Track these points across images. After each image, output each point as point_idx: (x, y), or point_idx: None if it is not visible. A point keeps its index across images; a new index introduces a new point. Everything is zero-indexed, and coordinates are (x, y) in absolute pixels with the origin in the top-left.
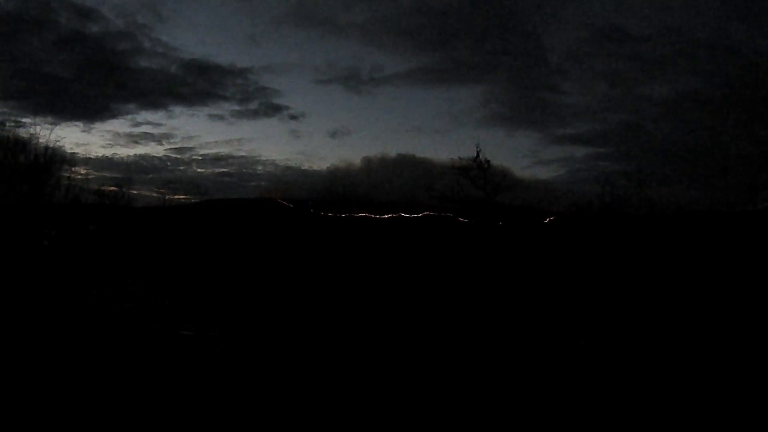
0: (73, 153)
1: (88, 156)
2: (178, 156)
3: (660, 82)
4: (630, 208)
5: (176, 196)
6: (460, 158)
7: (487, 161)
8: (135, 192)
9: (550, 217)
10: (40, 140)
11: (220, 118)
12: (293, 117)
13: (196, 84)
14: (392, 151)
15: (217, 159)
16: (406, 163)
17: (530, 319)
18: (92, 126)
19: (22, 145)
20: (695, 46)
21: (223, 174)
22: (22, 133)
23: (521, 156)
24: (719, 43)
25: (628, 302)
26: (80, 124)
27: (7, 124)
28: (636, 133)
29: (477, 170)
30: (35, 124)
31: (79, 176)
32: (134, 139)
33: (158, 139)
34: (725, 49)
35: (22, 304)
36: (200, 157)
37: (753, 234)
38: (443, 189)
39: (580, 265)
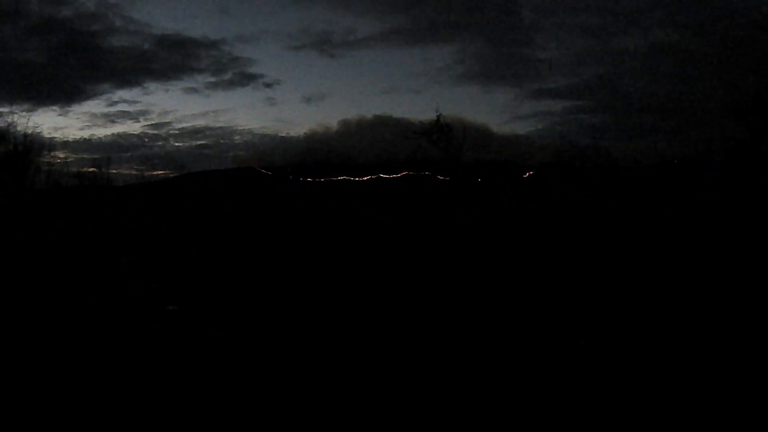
0: (52, 138)
1: (66, 139)
2: (156, 132)
3: (636, 34)
4: (591, 161)
5: (155, 172)
6: (420, 122)
7: (447, 125)
8: (114, 171)
9: (529, 172)
10: (18, 128)
11: (195, 91)
12: (268, 85)
13: (170, 59)
14: (369, 113)
15: (195, 132)
16: (383, 124)
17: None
18: (69, 109)
19: (1, 135)
20: None
21: (201, 146)
22: (0, 122)
23: (499, 112)
24: None
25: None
26: (57, 108)
27: None
28: (612, 85)
29: (438, 133)
30: (12, 113)
31: (59, 160)
32: (111, 118)
33: (135, 116)
34: (702, 0)
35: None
36: (177, 132)
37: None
38: (407, 153)
39: (562, 223)
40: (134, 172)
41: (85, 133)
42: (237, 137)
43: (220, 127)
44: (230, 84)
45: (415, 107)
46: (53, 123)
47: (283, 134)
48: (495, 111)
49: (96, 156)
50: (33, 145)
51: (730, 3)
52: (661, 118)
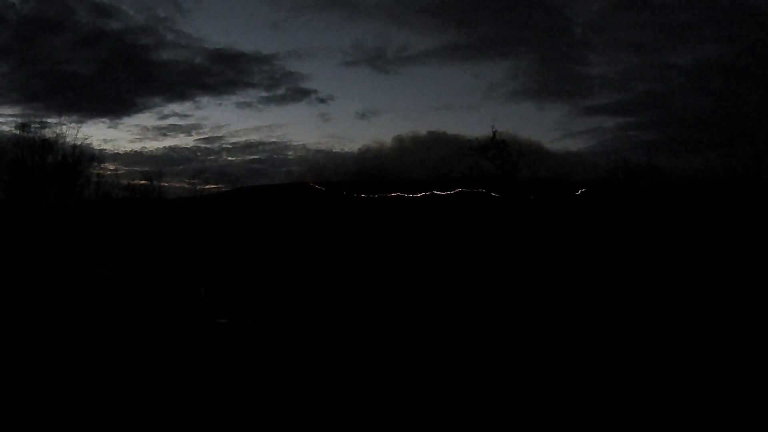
0: (102, 149)
1: (116, 152)
2: (208, 146)
3: (684, 50)
4: (646, 178)
5: (207, 186)
6: (477, 139)
7: (503, 141)
8: (166, 184)
9: (582, 189)
10: (67, 139)
11: (248, 105)
12: (321, 100)
13: (222, 73)
14: (423, 130)
15: (247, 146)
16: (437, 140)
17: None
18: (119, 122)
19: (50, 146)
20: (719, 13)
21: (253, 161)
22: (48, 133)
23: (551, 129)
24: (743, 10)
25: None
26: (107, 120)
27: (33, 125)
28: (662, 101)
29: (494, 150)
30: (61, 124)
31: (109, 172)
32: (162, 131)
33: (187, 130)
34: (749, 16)
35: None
36: (230, 146)
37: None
38: (463, 169)
39: (612, 242)
40: (186, 186)
41: (137, 146)
42: (290, 152)
43: (274, 142)
44: (283, 99)
45: (469, 123)
46: (103, 135)
47: (337, 150)
48: (547, 127)
49: (147, 168)
50: (82, 157)
51: None
52: (712, 135)
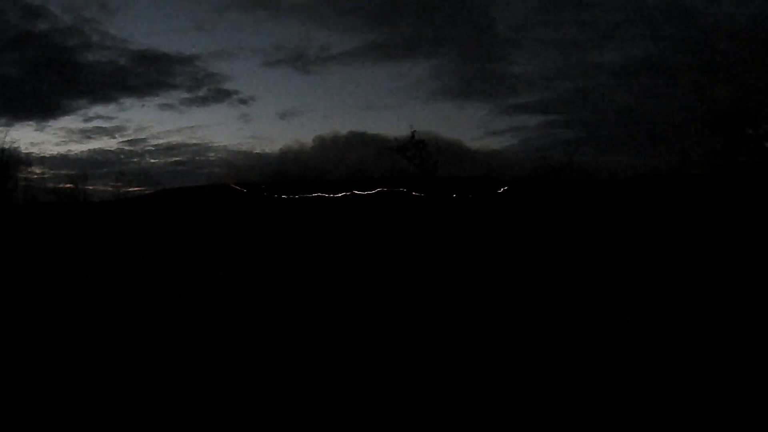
0: (29, 153)
1: (43, 155)
2: (131, 148)
3: (612, 48)
4: (568, 175)
5: (131, 189)
6: (396, 139)
7: (422, 140)
8: (91, 188)
9: (504, 187)
10: None
11: (171, 107)
12: (243, 101)
13: (146, 75)
14: (343, 130)
15: (170, 148)
16: (358, 140)
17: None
18: (46, 124)
19: None
20: (647, 12)
21: (176, 163)
22: None
23: (473, 127)
24: (671, 9)
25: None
26: (33, 123)
27: None
28: (587, 100)
29: (413, 150)
30: None
31: (36, 176)
32: (87, 134)
33: (111, 132)
34: (678, 14)
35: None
36: (153, 148)
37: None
38: (383, 169)
39: (538, 234)
40: (110, 189)
41: (62, 149)
42: (212, 154)
43: (196, 144)
44: (205, 100)
45: (390, 123)
46: (31, 138)
47: (258, 151)
48: (469, 126)
49: (73, 172)
50: (11, 161)
51: (704, 16)
52: (637, 132)
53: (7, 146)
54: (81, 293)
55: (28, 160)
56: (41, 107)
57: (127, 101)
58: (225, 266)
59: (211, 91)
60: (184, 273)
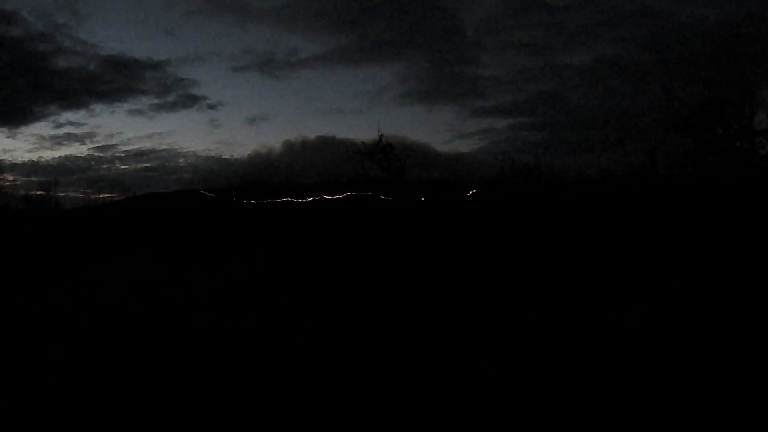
0: (1, 160)
1: (14, 162)
2: (102, 154)
3: (581, 50)
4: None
5: (101, 195)
6: (363, 143)
7: (389, 144)
8: (62, 194)
9: (473, 190)
10: None
11: (140, 112)
12: (211, 107)
13: (115, 80)
14: (312, 134)
15: (140, 154)
16: (326, 144)
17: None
18: (17, 131)
19: None
20: (617, 14)
21: (146, 169)
22: None
23: (441, 131)
24: (641, 10)
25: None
26: (5, 129)
27: None
28: (556, 101)
29: (380, 153)
30: None
31: (8, 183)
32: (58, 140)
33: (81, 138)
34: (647, 16)
35: None
36: (123, 154)
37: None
38: (351, 173)
39: (507, 237)
40: (81, 196)
41: (33, 156)
42: (181, 160)
43: (165, 150)
44: (174, 106)
45: (359, 127)
46: (2, 145)
47: (227, 156)
48: (438, 130)
49: (44, 179)
50: None
51: (674, 17)
52: (606, 133)
53: None
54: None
55: (0, 168)
56: (13, 114)
57: (98, 107)
58: (202, 270)
59: (180, 96)
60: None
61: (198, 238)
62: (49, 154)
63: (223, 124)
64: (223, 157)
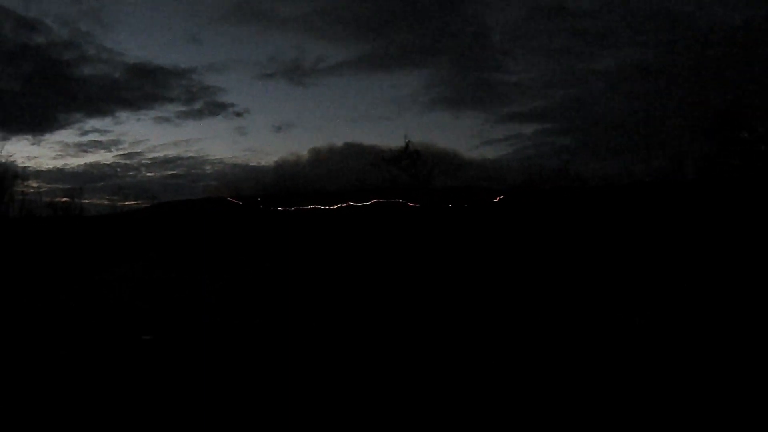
0: (25, 167)
1: (39, 169)
2: (128, 162)
3: (605, 55)
4: (561, 183)
5: (127, 203)
6: (390, 150)
7: (416, 151)
8: (86, 201)
9: (499, 196)
10: None
11: (167, 120)
12: (238, 114)
13: (141, 88)
14: (339, 141)
15: (166, 162)
16: (353, 151)
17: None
18: (42, 138)
19: None
20: (640, 18)
21: (172, 176)
22: None
23: (468, 137)
24: (665, 14)
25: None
26: (30, 137)
27: None
28: (581, 107)
29: (407, 160)
30: None
31: (32, 190)
32: (83, 148)
33: (107, 146)
34: (671, 20)
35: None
36: (149, 161)
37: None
38: (378, 180)
39: (539, 242)
40: (106, 203)
41: (58, 163)
42: (208, 167)
43: (191, 157)
44: (200, 113)
45: (385, 134)
46: (27, 152)
47: (254, 163)
48: (465, 136)
49: (69, 186)
50: (7, 174)
51: (697, 20)
52: (631, 138)
53: (3, 160)
54: (88, 294)
55: (24, 174)
56: (37, 121)
57: (123, 114)
58: (227, 274)
59: (206, 104)
60: (191, 276)
61: (225, 244)
62: (74, 162)
63: (250, 131)
64: (250, 164)
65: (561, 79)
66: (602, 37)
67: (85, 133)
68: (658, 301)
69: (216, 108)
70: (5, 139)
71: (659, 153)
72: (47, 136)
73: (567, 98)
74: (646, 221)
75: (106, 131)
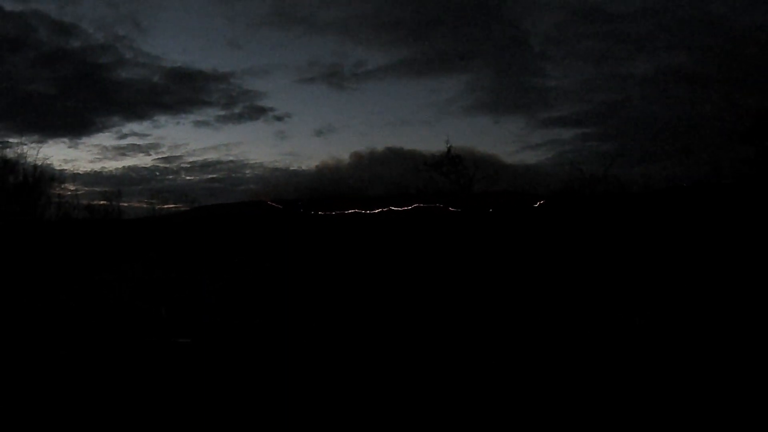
0: (62, 170)
1: (76, 172)
2: (167, 165)
3: (643, 59)
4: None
5: (166, 206)
6: (432, 155)
7: (458, 156)
8: (125, 204)
9: (540, 201)
10: (28, 159)
11: (206, 124)
12: (278, 118)
13: (180, 92)
14: (379, 146)
15: (205, 165)
16: (394, 156)
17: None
18: (79, 141)
19: (11, 166)
20: (677, 22)
21: (212, 180)
22: (10, 153)
23: (509, 142)
24: (701, 18)
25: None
26: (67, 140)
27: None
28: (621, 111)
29: (449, 165)
30: (22, 144)
31: (69, 193)
32: (121, 151)
33: (145, 149)
34: (707, 24)
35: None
36: (188, 165)
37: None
38: (419, 185)
39: (576, 248)
40: (145, 206)
41: (96, 166)
42: (248, 171)
43: (231, 161)
44: (240, 117)
45: (426, 139)
46: (64, 155)
47: (294, 167)
48: (505, 141)
49: (107, 189)
50: (43, 177)
51: (734, 24)
52: (671, 142)
53: (40, 162)
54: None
55: (61, 177)
56: (74, 124)
57: (162, 118)
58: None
59: (246, 108)
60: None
61: (263, 246)
62: (112, 165)
63: (291, 135)
64: (291, 168)
65: (600, 83)
66: (640, 41)
67: (124, 136)
68: (682, 303)
69: (256, 112)
70: (41, 142)
71: (699, 158)
72: (84, 140)
73: (606, 102)
74: (681, 225)
75: (144, 135)
